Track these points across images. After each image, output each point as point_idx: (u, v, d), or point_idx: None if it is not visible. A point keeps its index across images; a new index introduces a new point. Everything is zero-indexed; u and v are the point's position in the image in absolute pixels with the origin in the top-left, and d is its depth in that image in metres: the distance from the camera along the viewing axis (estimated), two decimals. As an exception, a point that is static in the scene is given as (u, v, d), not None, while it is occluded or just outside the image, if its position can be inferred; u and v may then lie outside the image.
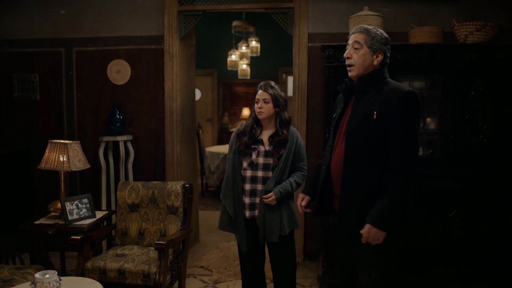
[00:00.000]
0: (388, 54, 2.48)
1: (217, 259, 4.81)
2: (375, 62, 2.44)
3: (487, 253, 3.87)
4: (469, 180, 3.88)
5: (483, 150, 3.90)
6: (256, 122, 3.23)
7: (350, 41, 2.50)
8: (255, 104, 3.18)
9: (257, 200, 3.11)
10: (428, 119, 4.09)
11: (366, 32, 2.43)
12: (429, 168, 3.88)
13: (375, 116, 2.37)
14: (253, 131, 3.22)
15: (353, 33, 2.49)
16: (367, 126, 2.40)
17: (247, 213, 3.15)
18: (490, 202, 3.84)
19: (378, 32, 2.44)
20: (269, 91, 3.14)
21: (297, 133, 3.26)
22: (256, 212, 3.11)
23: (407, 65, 3.91)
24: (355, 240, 2.48)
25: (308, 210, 2.89)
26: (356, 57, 2.45)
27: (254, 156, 3.14)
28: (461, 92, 3.90)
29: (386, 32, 4.10)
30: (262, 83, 3.21)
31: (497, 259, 3.87)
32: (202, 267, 4.63)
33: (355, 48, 2.45)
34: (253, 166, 3.13)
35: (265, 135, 3.21)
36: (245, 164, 3.15)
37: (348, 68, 2.53)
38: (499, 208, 3.84)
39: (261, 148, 3.16)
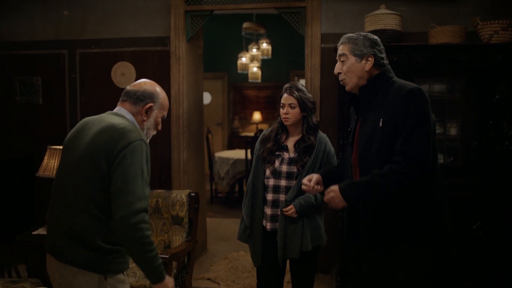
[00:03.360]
0: (381, 55, 2.27)
1: (225, 271, 4.60)
2: (367, 67, 2.24)
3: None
4: (493, 190, 3.64)
5: (508, 157, 3.64)
6: (281, 127, 3.00)
7: (337, 56, 2.34)
8: (281, 109, 2.95)
9: (279, 211, 2.89)
10: (449, 125, 3.84)
11: (348, 40, 2.29)
12: (450, 177, 3.64)
13: (381, 124, 2.16)
14: (278, 136, 2.99)
15: (338, 47, 2.35)
16: (375, 137, 2.18)
17: (269, 225, 2.94)
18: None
19: (361, 37, 2.28)
20: (295, 95, 2.89)
21: (327, 139, 3.01)
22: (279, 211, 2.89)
23: (427, 67, 3.69)
24: (378, 261, 2.28)
25: (319, 188, 2.53)
26: (346, 70, 2.28)
27: (277, 163, 2.92)
28: (485, 95, 3.65)
29: (404, 32, 3.96)
30: (287, 85, 2.97)
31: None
32: (209, 279, 4.42)
33: (342, 61, 2.30)
34: (276, 174, 2.91)
35: (290, 141, 2.99)
36: (268, 172, 2.94)
37: (341, 83, 2.37)
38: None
39: (286, 155, 2.94)
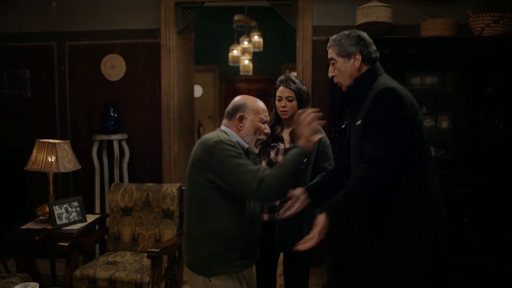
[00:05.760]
0: (369, 50, 2.26)
1: (216, 264, 4.58)
2: (356, 65, 2.25)
3: (502, 262, 3.63)
4: (484, 183, 3.64)
5: (499, 151, 3.64)
6: (276, 119, 2.98)
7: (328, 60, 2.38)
8: (277, 102, 2.92)
9: (277, 202, 2.84)
10: (441, 118, 3.83)
11: (333, 43, 2.31)
12: (441, 170, 3.61)
13: (359, 122, 2.18)
14: (273, 128, 2.96)
15: (327, 51, 2.38)
16: (357, 139, 2.20)
17: (266, 216, 2.91)
18: (506, 207, 3.59)
19: (344, 36, 2.29)
20: (292, 87, 2.87)
21: (321, 130, 2.98)
22: (276, 215, 2.85)
23: (418, 60, 3.67)
24: (374, 259, 2.27)
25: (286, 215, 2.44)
26: (337, 72, 2.31)
27: (273, 154, 2.90)
28: (477, 88, 3.64)
29: (396, 25, 3.93)
30: (282, 78, 2.94)
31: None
32: (200, 273, 4.39)
33: (332, 64, 2.32)
34: (272, 165, 2.86)
35: (286, 132, 2.97)
36: (264, 164, 2.92)
37: (338, 85, 2.37)
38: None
39: (281, 146, 2.92)
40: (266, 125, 2.42)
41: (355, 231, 2.35)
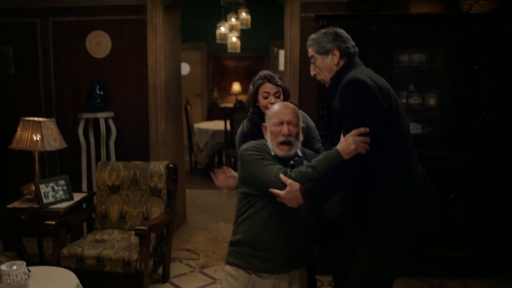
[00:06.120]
0: (346, 45, 2.30)
1: (204, 242, 4.60)
2: (335, 61, 2.31)
3: (486, 237, 3.70)
4: (470, 160, 3.68)
5: (486, 128, 3.67)
6: (260, 116, 2.74)
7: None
8: (263, 99, 2.76)
9: None
10: (428, 95, 3.84)
11: (312, 42, 2.38)
12: (428, 148, 3.66)
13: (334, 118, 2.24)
14: (259, 123, 2.73)
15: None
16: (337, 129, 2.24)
17: None
18: (491, 184, 3.64)
19: (321, 34, 2.35)
20: (278, 83, 2.77)
21: (305, 114, 2.94)
22: None
23: (407, 38, 3.68)
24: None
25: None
26: (318, 70, 2.38)
27: None
28: (464, 66, 3.66)
29: (384, 2, 3.91)
30: (266, 74, 2.82)
31: (496, 244, 3.70)
32: (188, 250, 4.42)
33: (313, 63, 2.39)
34: None
35: None
36: None
37: (322, 83, 2.43)
38: (501, 191, 3.65)
39: None
40: (282, 126, 2.30)
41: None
